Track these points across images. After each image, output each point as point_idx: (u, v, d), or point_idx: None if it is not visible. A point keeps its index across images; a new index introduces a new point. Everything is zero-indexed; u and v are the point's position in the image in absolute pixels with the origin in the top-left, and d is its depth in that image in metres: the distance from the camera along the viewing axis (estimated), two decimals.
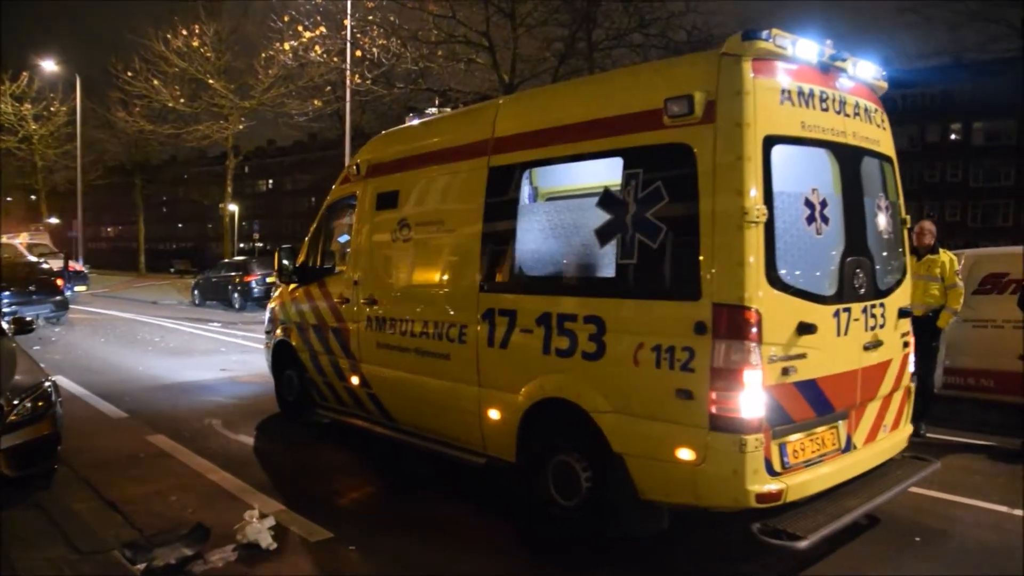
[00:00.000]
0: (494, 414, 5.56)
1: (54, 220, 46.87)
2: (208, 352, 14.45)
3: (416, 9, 21.40)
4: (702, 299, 4.27)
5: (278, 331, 8.68)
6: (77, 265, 33.28)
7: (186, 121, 33.05)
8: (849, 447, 4.86)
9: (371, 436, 7.17)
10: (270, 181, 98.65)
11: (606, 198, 4.88)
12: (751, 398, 4.18)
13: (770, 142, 4.30)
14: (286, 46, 24.38)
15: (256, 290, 23.98)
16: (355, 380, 7.16)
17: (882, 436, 5.16)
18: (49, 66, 38.98)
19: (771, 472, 4.28)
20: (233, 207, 41.18)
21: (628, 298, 4.74)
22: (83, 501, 5.78)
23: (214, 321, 20.55)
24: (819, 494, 4.57)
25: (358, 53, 22.10)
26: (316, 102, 26.53)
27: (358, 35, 22.10)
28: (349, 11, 21.63)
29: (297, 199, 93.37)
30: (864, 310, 4.87)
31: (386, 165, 7.11)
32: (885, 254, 5.24)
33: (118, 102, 35.54)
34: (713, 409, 4.23)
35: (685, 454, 4.35)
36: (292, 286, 8.35)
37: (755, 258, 4.17)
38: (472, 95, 23.65)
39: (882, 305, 5.06)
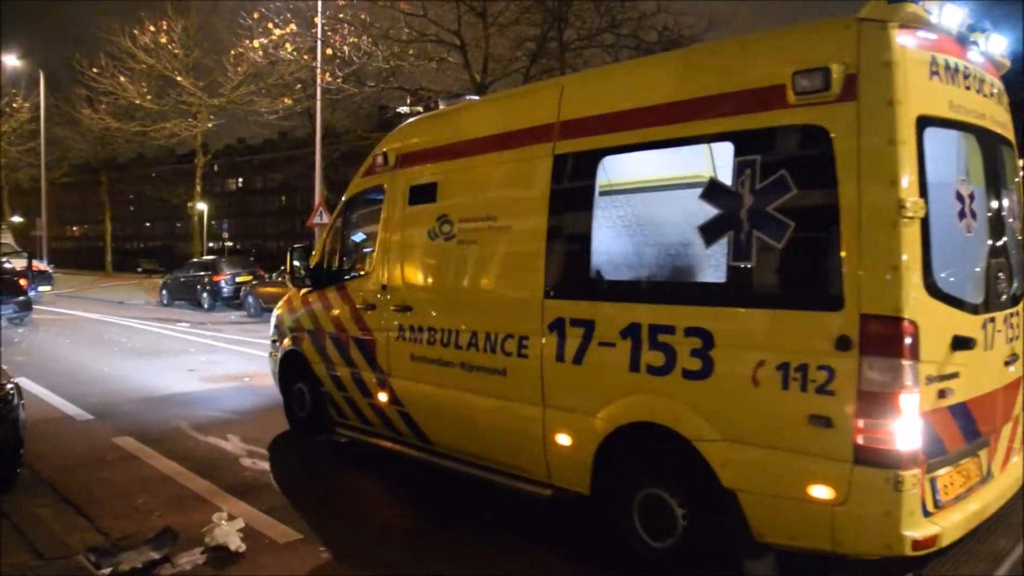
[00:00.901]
0: (563, 439, 4.88)
1: (17, 219, 46.02)
2: (177, 353, 14.27)
3: (387, 7, 21.36)
4: (845, 308, 3.61)
5: (286, 340, 7.82)
6: (41, 265, 32.80)
7: (153, 119, 32.61)
8: (988, 476, 4.29)
9: (370, 447, 7.09)
10: (240, 180, 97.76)
11: (712, 189, 4.19)
12: (908, 427, 3.53)
13: (922, 123, 3.68)
14: (256, 43, 24.22)
15: (225, 290, 23.86)
16: (383, 396, 6.42)
17: (1013, 461, 4.61)
18: (11, 61, 38.29)
19: (924, 512, 3.63)
20: (202, 206, 40.72)
21: (744, 307, 4.03)
22: (47, 505, 5.68)
23: (183, 321, 20.29)
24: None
25: (329, 51, 21.98)
26: (286, 100, 26.33)
27: (329, 33, 21.97)
28: (320, 9, 21.47)
29: (267, 198, 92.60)
30: (1005, 319, 4.33)
31: (421, 154, 6.31)
32: (1018, 255, 4.67)
33: (83, 99, 35.03)
34: (859, 439, 3.58)
35: (820, 492, 3.70)
36: (304, 290, 7.54)
37: (911, 260, 3.55)
38: (444, 94, 23.55)
39: (1017, 314, 4.53)
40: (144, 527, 5.18)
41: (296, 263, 7.48)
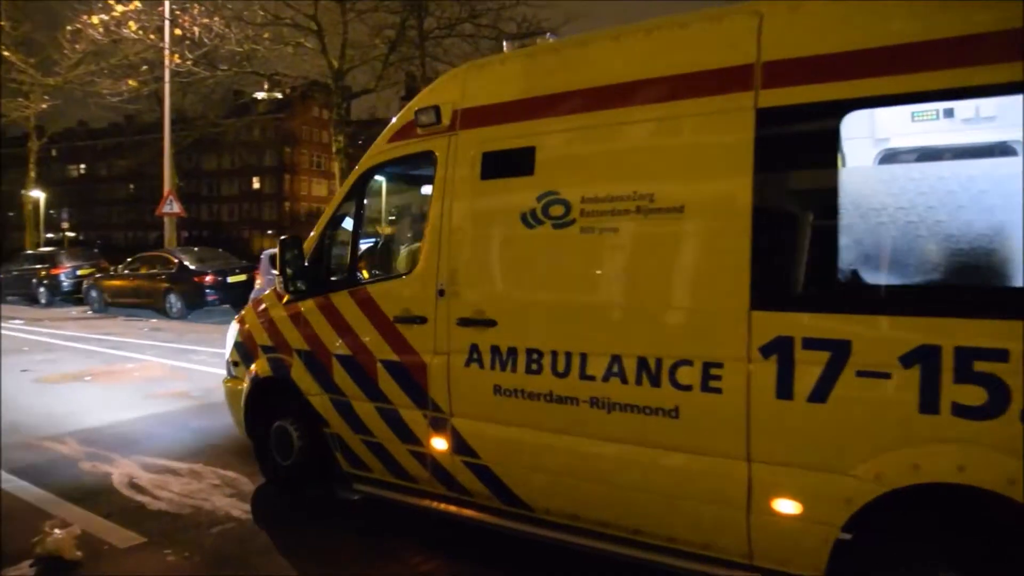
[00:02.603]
0: (786, 506, 3.53)
1: None
2: (7, 352, 13.21)
3: None
4: None
5: (258, 364, 5.88)
6: None
7: None
8: None
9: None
10: (82, 166, 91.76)
11: None
12: None
13: None
14: (95, 19, 22.64)
15: (66, 284, 22.63)
16: (440, 443, 4.77)
17: None
18: None
19: None
20: (38, 194, 37.77)
21: None
22: None
23: (16, 318, 18.81)
24: None
25: (177, 31, 20.94)
26: (131, 82, 24.78)
27: (177, 12, 20.92)
28: None
29: (113, 186, 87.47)
30: None
31: (503, 108, 4.61)
32: None
33: None
34: None
35: None
36: (287, 297, 5.60)
37: None
38: (302, 80, 23.10)
39: None
40: None
41: (289, 257, 5.40)
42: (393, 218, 6.13)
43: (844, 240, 3.41)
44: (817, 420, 3.40)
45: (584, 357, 4.09)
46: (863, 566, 3.40)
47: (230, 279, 18.53)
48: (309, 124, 79.77)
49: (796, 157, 3.60)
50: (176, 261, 19.07)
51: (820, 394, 3.38)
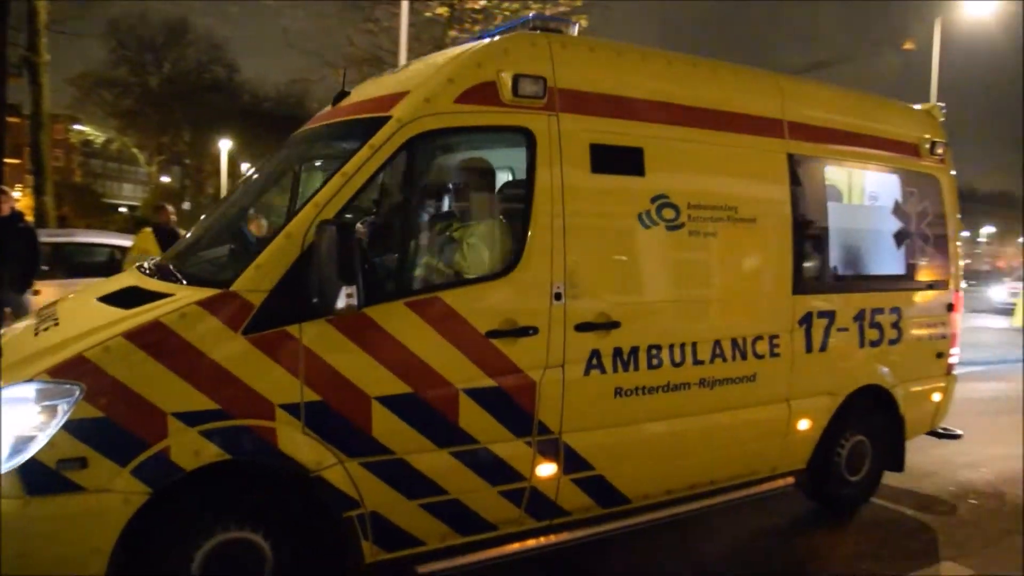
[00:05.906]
0: (803, 424, 5.41)
1: None
2: None
3: None
4: None
5: (175, 449, 3.23)
6: None
7: None
8: None
9: None
10: None
11: (895, 208, 5.99)
12: None
13: None
14: None
15: None
16: (547, 469, 4.19)
17: None
18: None
19: None
20: None
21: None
22: None
23: None
24: None
25: None
26: None
27: None
28: None
29: None
30: None
31: (609, 101, 4.41)
32: None
33: None
34: None
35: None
36: (248, 321, 3.45)
37: None
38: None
39: None
40: None
41: (351, 257, 3.38)
42: (475, 199, 4.56)
43: (830, 250, 5.56)
44: (823, 362, 5.41)
45: (695, 346, 4.71)
46: (825, 445, 5.59)
47: None
48: None
49: (807, 193, 5.34)
50: None
51: (824, 345, 5.40)
